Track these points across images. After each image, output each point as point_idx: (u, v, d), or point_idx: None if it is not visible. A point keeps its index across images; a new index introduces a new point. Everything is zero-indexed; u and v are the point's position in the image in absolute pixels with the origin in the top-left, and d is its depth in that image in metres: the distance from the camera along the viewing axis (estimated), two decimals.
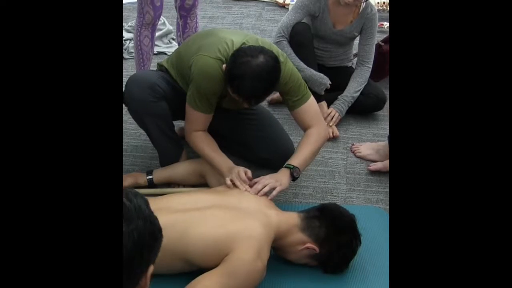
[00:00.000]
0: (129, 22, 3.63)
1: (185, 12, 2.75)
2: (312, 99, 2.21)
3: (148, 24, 2.65)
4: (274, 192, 2.01)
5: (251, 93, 1.94)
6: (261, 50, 1.94)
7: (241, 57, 1.92)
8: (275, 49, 2.13)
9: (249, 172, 2.08)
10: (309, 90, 2.22)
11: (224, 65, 2.01)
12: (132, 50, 3.38)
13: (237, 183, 2.02)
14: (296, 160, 2.13)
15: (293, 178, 2.11)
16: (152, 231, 0.99)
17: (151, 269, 1.00)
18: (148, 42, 2.71)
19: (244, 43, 2.06)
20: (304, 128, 2.21)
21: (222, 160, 2.15)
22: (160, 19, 3.60)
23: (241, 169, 2.08)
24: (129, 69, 3.17)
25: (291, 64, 2.17)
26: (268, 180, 2.03)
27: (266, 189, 2.00)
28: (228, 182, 2.03)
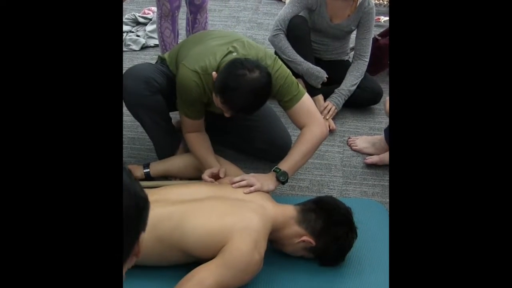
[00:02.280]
0: (126, 14, 3.63)
1: (195, 8, 2.76)
2: (305, 98, 2.16)
3: (166, 15, 2.69)
4: (252, 188, 1.99)
5: (241, 106, 1.94)
6: (257, 64, 1.93)
7: (237, 68, 1.90)
8: (262, 52, 2.13)
9: (222, 172, 2.13)
10: (302, 90, 2.17)
11: (202, 74, 2.03)
12: (129, 43, 3.39)
13: (208, 180, 2.08)
14: (285, 164, 2.10)
15: (281, 182, 2.09)
16: (137, 203, 1.01)
17: (142, 236, 1.04)
18: (170, 33, 2.75)
19: (230, 52, 2.06)
20: (299, 127, 2.19)
21: (210, 161, 2.19)
22: None
23: (215, 168, 2.12)
24: (126, 62, 3.17)
25: (280, 65, 2.14)
26: (251, 180, 2.02)
27: (243, 183, 2.01)
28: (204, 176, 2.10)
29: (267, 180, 2.04)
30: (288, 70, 2.17)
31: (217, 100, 1.97)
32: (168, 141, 2.34)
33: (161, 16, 2.71)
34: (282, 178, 2.07)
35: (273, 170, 2.09)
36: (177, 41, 2.81)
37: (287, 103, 2.15)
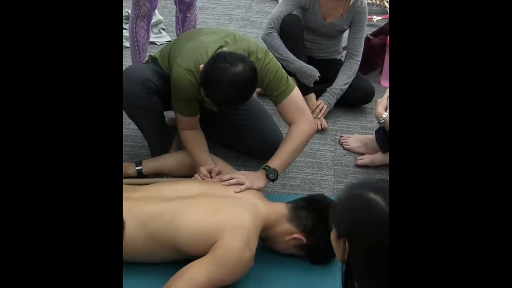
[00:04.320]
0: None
1: (185, 6, 2.76)
2: (294, 93, 2.17)
3: (144, 16, 2.66)
4: (242, 187, 1.99)
5: (222, 100, 1.94)
6: (241, 59, 1.92)
7: (220, 62, 1.89)
8: (254, 45, 2.13)
9: (214, 172, 2.12)
10: (292, 84, 2.19)
11: (196, 72, 2.03)
12: (122, 40, 3.37)
13: (199, 178, 2.09)
14: (275, 162, 2.11)
15: (270, 179, 2.10)
16: None
17: None
18: (144, 33, 2.72)
19: (221, 46, 2.07)
20: (288, 123, 2.20)
21: (205, 159, 2.19)
22: None
23: (208, 167, 2.12)
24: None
25: (270, 58, 2.15)
26: (241, 179, 2.02)
27: (232, 181, 2.01)
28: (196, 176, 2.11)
29: (257, 178, 2.05)
30: (279, 64, 2.18)
31: (202, 93, 1.98)
32: (162, 140, 2.35)
33: (138, 16, 2.66)
34: (272, 176, 2.08)
35: (263, 168, 2.10)
36: (149, 41, 2.81)
37: (276, 97, 2.16)
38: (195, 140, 2.24)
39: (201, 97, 2.10)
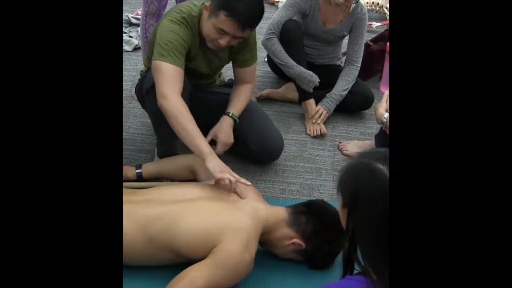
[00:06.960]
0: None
1: None
2: (256, 63, 2.39)
3: (153, 13, 2.70)
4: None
5: (248, 15, 2.01)
6: None
7: None
8: None
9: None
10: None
11: (189, 20, 2.09)
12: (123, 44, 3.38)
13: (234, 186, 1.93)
14: (235, 110, 2.32)
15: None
16: None
17: None
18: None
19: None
20: (239, 81, 2.39)
21: (205, 145, 2.02)
22: None
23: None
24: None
25: None
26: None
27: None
28: (227, 181, 1.92)
29: (226, 134, 2.24)
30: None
31: (218, 21, 2.01)
32: (175, 142, 2.29)
33: (147, 14, 2.71)
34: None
35: (227, 115, 2.29)
36: None
37: (247, 61, 2.34)
38: (188, 115, 2.01)
39: (193, 44, 2.13)
